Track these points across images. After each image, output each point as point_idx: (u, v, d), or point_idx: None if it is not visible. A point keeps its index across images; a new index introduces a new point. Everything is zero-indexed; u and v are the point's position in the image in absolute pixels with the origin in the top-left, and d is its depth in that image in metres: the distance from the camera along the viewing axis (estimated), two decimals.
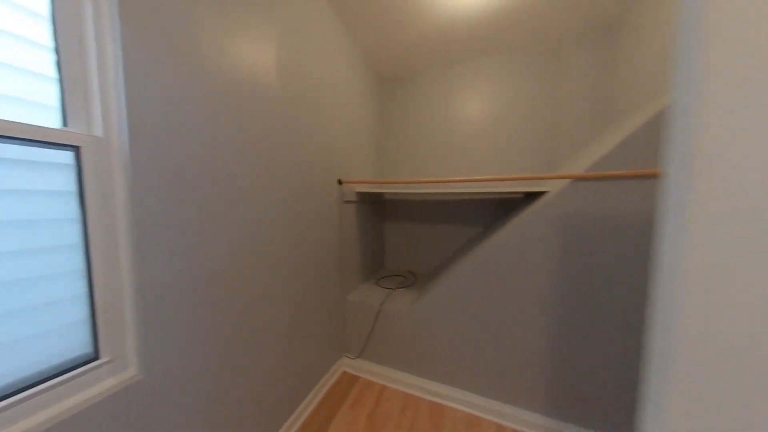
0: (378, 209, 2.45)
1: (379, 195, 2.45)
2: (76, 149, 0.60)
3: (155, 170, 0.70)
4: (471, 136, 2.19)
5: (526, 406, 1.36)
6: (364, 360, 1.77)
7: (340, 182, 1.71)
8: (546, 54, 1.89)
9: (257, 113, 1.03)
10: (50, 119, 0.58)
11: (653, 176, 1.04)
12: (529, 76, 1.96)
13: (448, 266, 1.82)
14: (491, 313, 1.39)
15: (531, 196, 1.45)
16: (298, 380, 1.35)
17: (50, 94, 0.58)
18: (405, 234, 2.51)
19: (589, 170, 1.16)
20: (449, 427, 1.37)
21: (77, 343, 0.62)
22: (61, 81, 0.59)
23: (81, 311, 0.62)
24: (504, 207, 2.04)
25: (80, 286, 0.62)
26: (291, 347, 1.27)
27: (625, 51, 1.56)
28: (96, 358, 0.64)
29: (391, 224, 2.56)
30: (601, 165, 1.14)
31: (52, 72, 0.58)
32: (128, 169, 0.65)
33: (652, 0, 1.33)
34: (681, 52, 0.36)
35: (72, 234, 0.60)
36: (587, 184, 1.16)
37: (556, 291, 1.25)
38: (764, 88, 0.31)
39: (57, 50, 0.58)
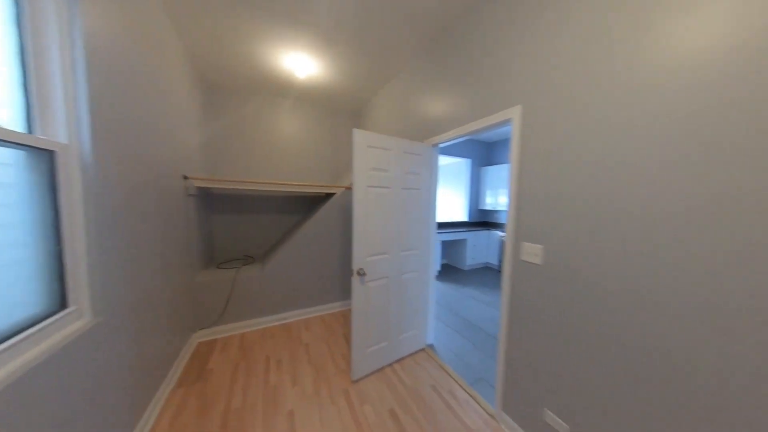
0: (209, 203, 2.66)
1: (209, 190, 2.66)
2: (51, 153, 0.83)
3: (101, 171, 0.99)
4: (289, 152, 3.15)
5: (331, 300, 2.71)
6: (221, 325, 2.20)
7: (185, 177, 1.95)
8: (331, 115, 3.35)
9: (151, 117, 1.30)
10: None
11: None
12: (326, 124, 3.32)
13: (282, 243, 2.71)
14: (311, 260, 2.56)
15: (329, 195, 2.78)
16: (172, 348, 1.62)
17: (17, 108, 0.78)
18: (237, 224, 2.93)
19: (348, 184, 2.66)
20: (294, 331, 2.36)
21: (52, 293, 0.85)
22: (27, 97, 0.80)
23: (55, 269, 0.86)
24: (315, 201, 3.28)
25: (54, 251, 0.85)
26: (170, 320, 1.55)
27: (365, 124, 3.37)
28: (66, 306, 0.89)
29: (221, 216, 2.85)
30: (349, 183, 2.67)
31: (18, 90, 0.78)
32: (86, 170, 0.93)
33: (377, 101, 3.13)
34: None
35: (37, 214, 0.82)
36: (347, 191, 2.66)
37: (337, 241, 2.68)
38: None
39: (24, 71, 0.79)
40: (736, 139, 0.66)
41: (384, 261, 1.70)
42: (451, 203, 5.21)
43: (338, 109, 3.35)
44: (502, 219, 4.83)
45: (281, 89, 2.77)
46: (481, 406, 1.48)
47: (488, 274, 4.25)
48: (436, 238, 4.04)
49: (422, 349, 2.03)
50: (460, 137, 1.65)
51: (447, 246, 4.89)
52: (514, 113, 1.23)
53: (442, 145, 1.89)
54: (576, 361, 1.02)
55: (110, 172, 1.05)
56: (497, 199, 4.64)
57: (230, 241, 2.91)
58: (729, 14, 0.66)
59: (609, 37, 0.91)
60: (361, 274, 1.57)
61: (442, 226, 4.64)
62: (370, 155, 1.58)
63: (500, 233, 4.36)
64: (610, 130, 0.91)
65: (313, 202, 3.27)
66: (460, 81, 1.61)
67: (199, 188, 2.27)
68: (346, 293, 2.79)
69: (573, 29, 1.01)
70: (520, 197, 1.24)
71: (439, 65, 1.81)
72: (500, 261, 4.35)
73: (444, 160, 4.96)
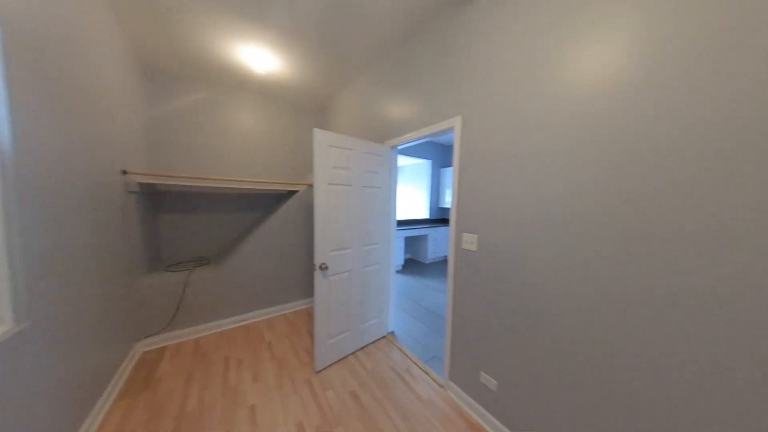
0: (155, 201, 2.43)
1: (153, 186, 2.42)
2: None
3: (25, 164, 0.89)
4: (248, 147, 3.02)
5: (294, 299, 2.70)
6: (171, 332, 2.05)
7: (124, 172, 1.77)
8: (294, 112, 3.29)
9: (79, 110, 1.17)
10: None
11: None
12: (289, 120, 3.25)
13: (241, 241, 2.60)
14: (274, 258, 2.52)
15: (291, 192, 2.75)
16: (111, 358, 1.49)
17: None
18: (189, 224, 2.72)
19: (310, 181, 2.67)
20: (255, 332, 2.31)
21: None
22: None
23: None
24: (277, 198, 3.19)
25: None
26: (103, 326, 1.42)
27: (328, 122, 3.39)
28: None
29: (170, 215, 2.61)
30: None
31: None
32: (4, 162, 0.84)
33: (340, 101, 3.16)
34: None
35: None
36: (309, 188, 2.67)
37: (301, 238, 2.68)
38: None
39: None
40: (632, 140, 0.92)
41: (347, 255, 1.79)
42: (413, 202, 5.50)
43: (301, 106, 3.31)
44: None
45: (239, 82, 2.65)
46: (432, 379, 1.68)
47: (446, 266, 4.62)
48: (400, 235, 4.26)
49: (384, 336, 2.18)
50: (414, 141, 1.82)
51: (410, 241, 5.16)
52: (456, 122, 1.43)
53: (400, 147, 2.05)
54: (501, 327, 1.25)
55: (35, 166, 0.96)
56: None
57: (182, 242, 2.69)
58: (610, 53, 0.92)
59: (531, 61, 1.14)
60: (324, 268, 1.64)
61: (406, 223, 4.88)
62: (331, 154, 1.65)
63: None
64: (530, 138, 1.14)
65: (275, 200, 3.18)
66: (414, 88, 1.78)
67: (142, 185, 2.07)
68: (310, 290, 2.81)
69: (503, 56, 1.23)
70: (460, 194, 1.45)
71: (396, 72, 1.96)
72: None
73: (407, 161, 5.21)
